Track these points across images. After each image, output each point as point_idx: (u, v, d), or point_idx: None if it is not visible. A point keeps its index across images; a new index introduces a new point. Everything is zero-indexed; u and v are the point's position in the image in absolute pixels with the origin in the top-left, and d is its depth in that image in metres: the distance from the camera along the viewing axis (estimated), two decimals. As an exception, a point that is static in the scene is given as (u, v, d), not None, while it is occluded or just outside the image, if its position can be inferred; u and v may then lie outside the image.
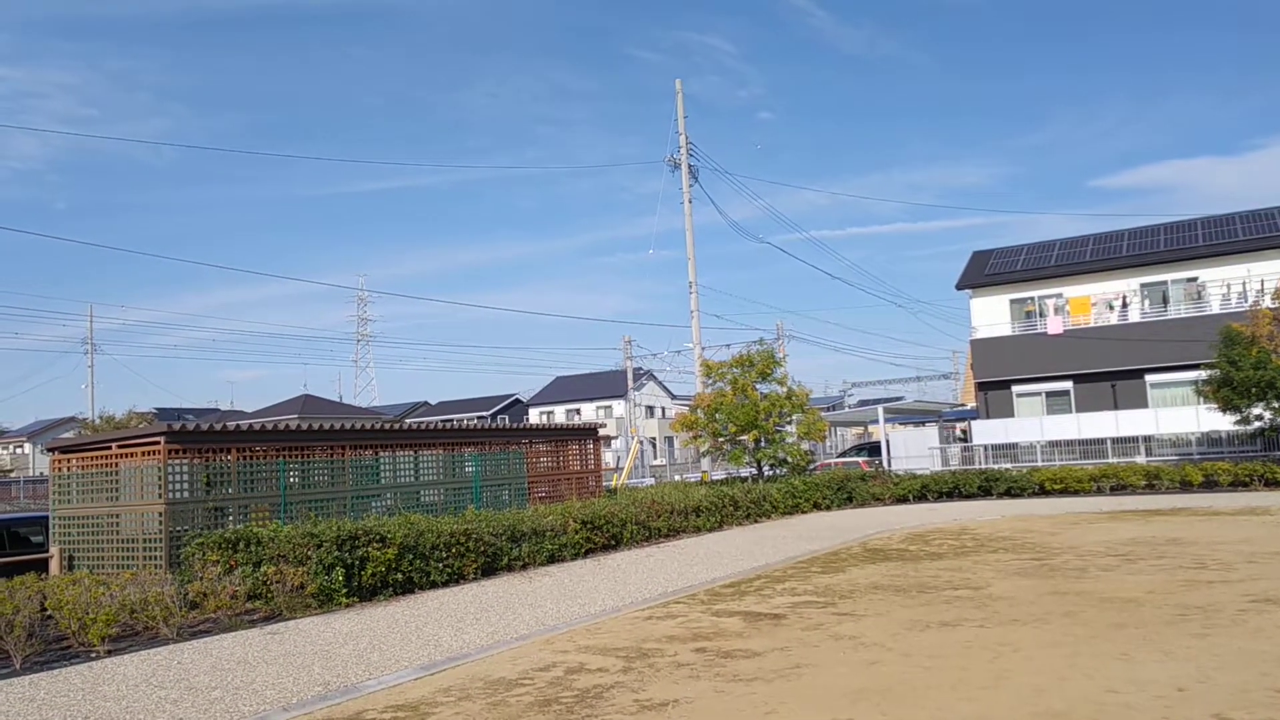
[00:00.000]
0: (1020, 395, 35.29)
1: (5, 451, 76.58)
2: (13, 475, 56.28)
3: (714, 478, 31.74)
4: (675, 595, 11.96)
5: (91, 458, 14.66)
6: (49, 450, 15.81)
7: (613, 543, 17.32)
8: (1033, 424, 32.92)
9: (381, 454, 17.16)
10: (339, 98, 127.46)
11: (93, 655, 9.47)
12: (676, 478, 37.90)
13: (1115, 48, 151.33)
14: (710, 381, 29.49)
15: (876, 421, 36.11)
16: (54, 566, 13.75)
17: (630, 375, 58.69)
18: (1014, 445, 32.48)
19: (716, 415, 27.15)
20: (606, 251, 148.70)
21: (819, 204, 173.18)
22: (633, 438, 39.35)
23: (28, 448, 78.04)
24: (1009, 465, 29.98)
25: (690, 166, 36.32)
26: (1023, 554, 14.40)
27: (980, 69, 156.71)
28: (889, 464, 32.36)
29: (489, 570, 14.43)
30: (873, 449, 38.71)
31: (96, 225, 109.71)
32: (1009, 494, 25.86)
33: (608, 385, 58.05)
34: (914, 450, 33.62)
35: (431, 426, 18.60)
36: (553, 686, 7.45)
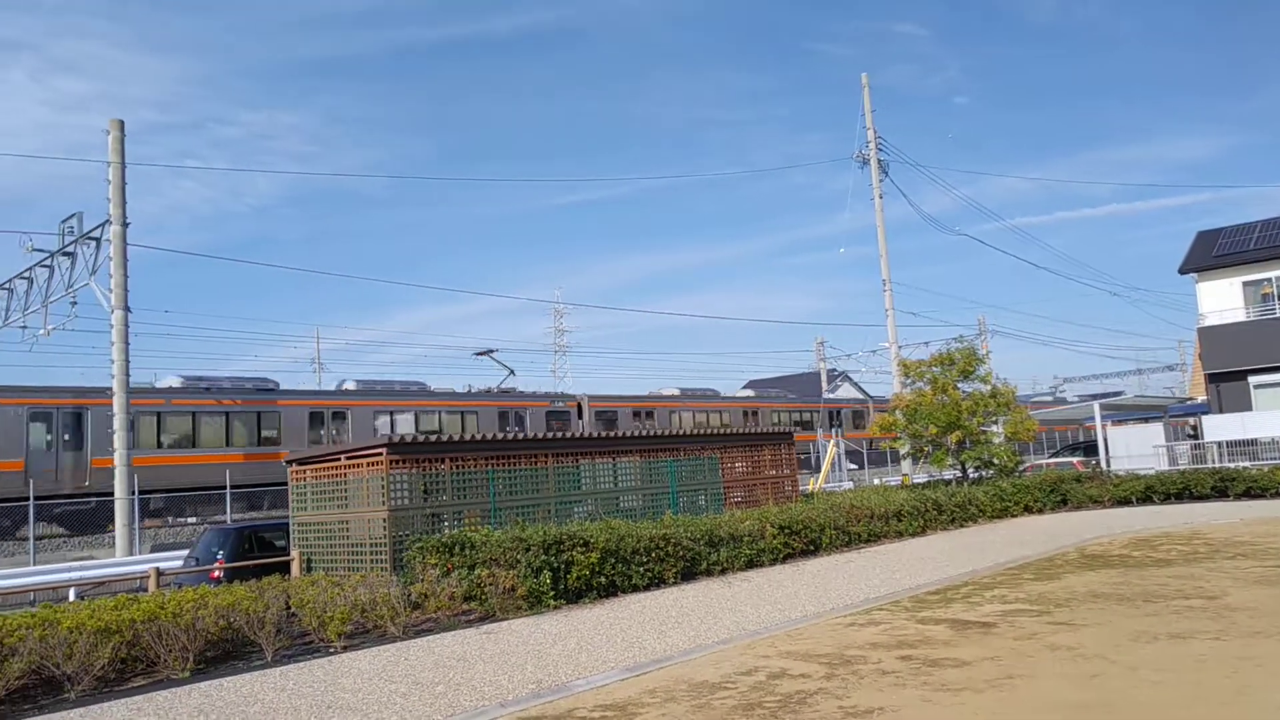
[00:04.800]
0: (1258, 386, 32.19)
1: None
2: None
3: (915, 481, 30.77)
4: (877, 602, 11.73)
5: (323, 469, 15.97)
6: (288, 463, 17.34)
7: (811, 548, 17.15)
8: (1274, 418, 29.94)
9: (581, 461, 17.74)
10: (534, 118, 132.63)
11: (331, 650, 10.33)
12: (875, 481, 36.98)
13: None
14: (908, 381, 28.65)
15: (1092, 419, 33.84)
16: (295, 569, 15.06)
17: (824, 377, 57.77)
18: (1252, 442, 29.61)
19: (916, 416, 26.34)
20: (796, 252, 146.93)
21: (1021, 190, 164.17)
22: (828, 441, 38.70)
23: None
24: (1247, 463, 27.39)
25: (880, 161, 35.52)
26: (1265, 560, 13.17)
27: (1193, 31, 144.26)
28: (1107, 464, 30.27)
29: (688, 574, 14.63)
30: (1088, 448, 36.36)
31: (320, 253, 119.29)
32: (1248, 495, 23.65)
33: (801, 387, 57.45)
34: (1136, 449, 31.29)
35: (628, 434, 19.05)
36: (755, 691, 7.50)
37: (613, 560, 13.43)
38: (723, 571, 15.12)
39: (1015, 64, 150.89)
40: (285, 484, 17.10)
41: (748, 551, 15.64)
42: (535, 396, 37.62)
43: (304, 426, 30.68)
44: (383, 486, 14.24)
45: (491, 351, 36.03)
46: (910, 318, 43.68)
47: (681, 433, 20.17)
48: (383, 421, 32.14)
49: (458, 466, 15.22)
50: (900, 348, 35.46)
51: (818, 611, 11.25)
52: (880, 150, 35.55)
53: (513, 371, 35.47)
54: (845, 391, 60.63)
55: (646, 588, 13.79)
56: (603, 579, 13.25)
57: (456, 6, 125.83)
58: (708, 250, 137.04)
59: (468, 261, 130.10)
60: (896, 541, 18.89)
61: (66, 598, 16.43)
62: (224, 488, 25.89)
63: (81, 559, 21.20)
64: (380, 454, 14.39)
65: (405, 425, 32.40)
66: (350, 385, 33.28)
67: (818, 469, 36.80)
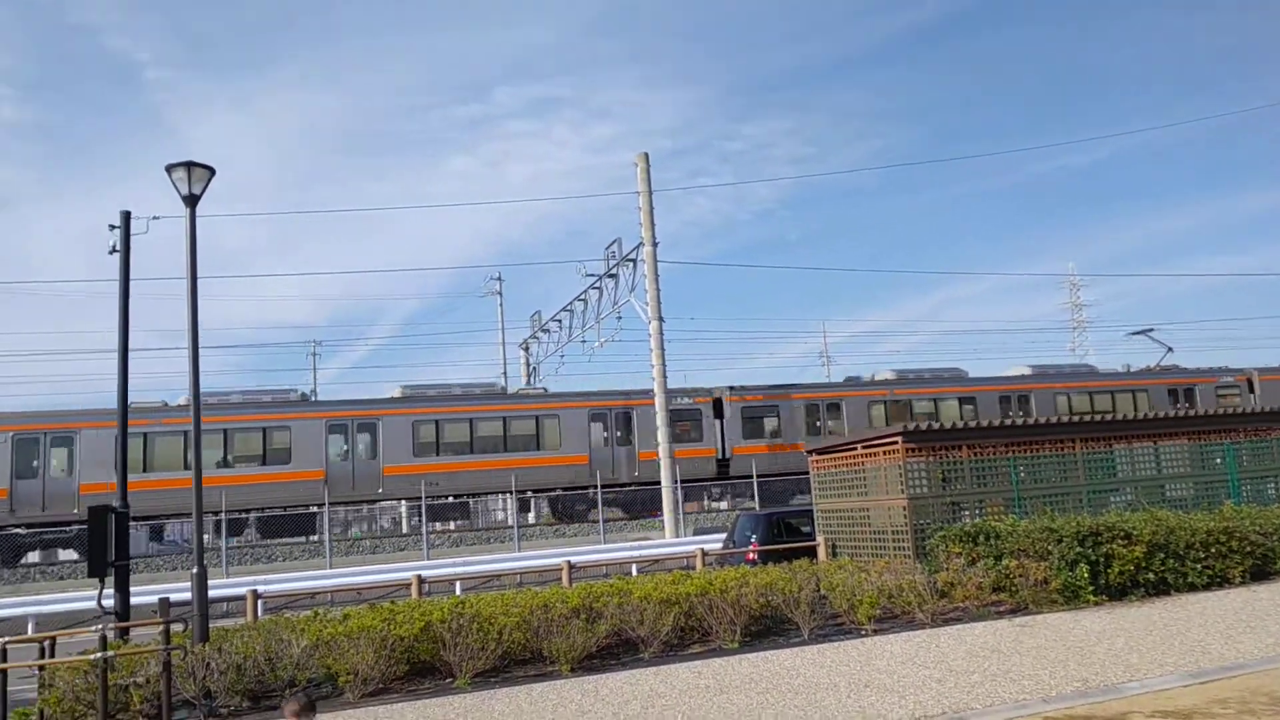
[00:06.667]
0: None
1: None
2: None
3: None
4: None
5: (841, 458, 16.53)
6: (808, 453, 18.24)
7: None
8: None
9: (1116, 446, 16.24)
10: (1022, 86, 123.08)
11: (861, 632, 10.71)
12: None
13: None
14: None
15: None
16: (821, 553, 15.79)
17: None
18: None
19: None
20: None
21: None
22: None
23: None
24: None
25: None
26: None
27: None
28: None
29: (1259, 574, 12.75)
30: None
31: (822, 249, 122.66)
32: None
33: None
34: None
35: (1171, 414, 17.03)
36: (1364, 713, 6.32)
37: (1161, 555, 12.19)
38: (1308, 572, 12.90)
39: None
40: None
41: (1342, 550, 13.14)
42: None
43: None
44: (900, 475, 14.36)
45: None
46: None
47: (1238, 411, 17.51)
48: None
49: (976, 453, 14.83)
50: None
51: None
52: None
53: None
54: None
55: (1205, 587, 12.27)
56: (1150, 575, 12.07)
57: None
58: (1236, 199, 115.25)
59: (973, 239, 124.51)
60: None
61: (630, 572, 19.00)
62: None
63: (638, 539, 24.31)
64: (895, 442, 14.53)
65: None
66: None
67: None
